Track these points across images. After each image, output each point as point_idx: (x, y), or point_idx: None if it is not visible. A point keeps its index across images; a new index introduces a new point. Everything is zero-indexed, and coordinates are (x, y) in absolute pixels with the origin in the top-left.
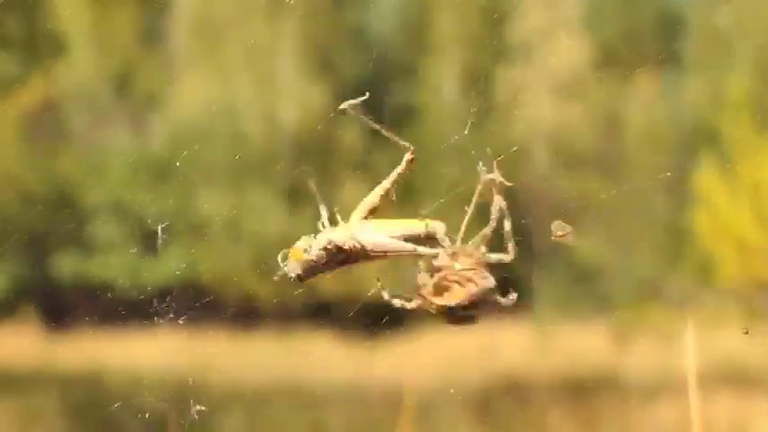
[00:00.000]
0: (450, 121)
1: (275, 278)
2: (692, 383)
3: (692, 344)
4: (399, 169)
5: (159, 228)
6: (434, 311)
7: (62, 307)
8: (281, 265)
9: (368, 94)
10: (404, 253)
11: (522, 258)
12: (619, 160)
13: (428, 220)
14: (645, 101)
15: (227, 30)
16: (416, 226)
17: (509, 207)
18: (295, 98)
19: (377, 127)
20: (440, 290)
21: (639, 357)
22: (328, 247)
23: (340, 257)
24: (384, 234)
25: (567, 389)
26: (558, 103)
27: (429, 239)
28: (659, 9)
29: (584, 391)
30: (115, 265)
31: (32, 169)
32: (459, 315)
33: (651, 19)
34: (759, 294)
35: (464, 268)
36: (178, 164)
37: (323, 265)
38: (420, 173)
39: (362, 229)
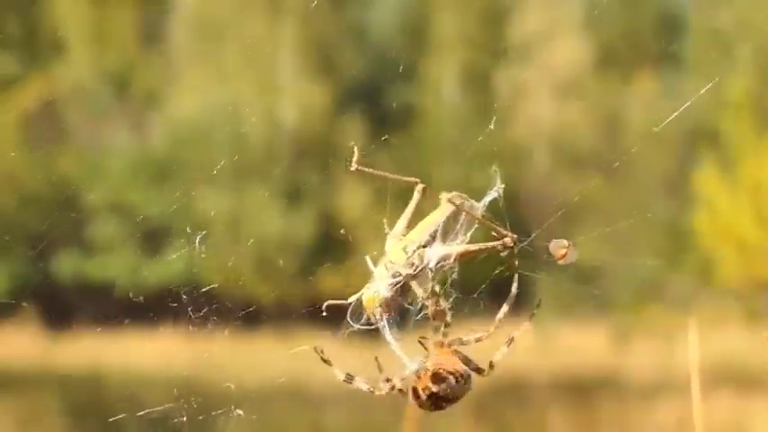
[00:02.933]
0: (450, 121)
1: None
2: (696, 384)
3: (694, 345)
4: (414, 201)
5: (198, 238)
6: (423, 395)
7: (62, 307)
8: (375, 319)
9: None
10: (472, 250)
11: (522, 258)
12: (619, 160)
13: (444, 195)
14: (645, 101)
15: (227, 30)
16: (441, 212)
17: (509, 207)
18: (295, 98)
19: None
20: (438, 378)
21: (639, 357)
22: (397, 278)
23: (411, 281)
24: (442, 244)
25: (567, 389)
26: (559, 103)
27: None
28: (659, 9)
29: (584, 391)
30: (115, 265)
31: (32, 169)
32: (436, 403)
33: (651, 19)
34: (759, 294)
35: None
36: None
37: (401, 294)
38: (420, 171)
39: (425, 249)
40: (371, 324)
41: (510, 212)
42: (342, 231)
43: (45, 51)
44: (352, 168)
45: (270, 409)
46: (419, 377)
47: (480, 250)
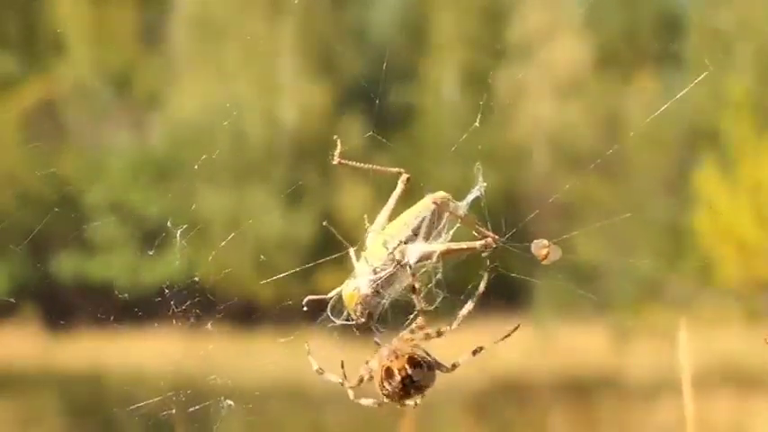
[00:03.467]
0: (450, 121)
1: (358, 330)
2: (687, 383)
3: (684, 345)
4: (398, 192)
5: (197, 238)
6: (397, 376)
7: (62, 307)
8: (354, 316)
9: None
10: (453, 249)
11: (522, 258)
12: (619, 160)
13: (428, 195)
14: (645, 101)
15: (227, 30)
16: (423, 206)
17: (509, 207)
18: (295, 98)
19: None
20: (414, 362)
21: (639, 357)
22: (378, 274)
23: (391, 278)
24: (423, 242)
25: (567, 389)
26: (559, 102)
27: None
28: (659, 9)
29: (584, 391)
30: (115, 265)
31: (32, 169)
32: (405, 389)
33: (651, 19)
34: (759, 294)
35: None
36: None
37: (382, 290)
38: (420, 172)
39: (406, 246)
40: (352, 320)
41: (509, 213)
42: (324, 223)
43: (45, 51)
44: (335, 162)
45: (269, 408)
46: (396, 357)
47: (462, 250)
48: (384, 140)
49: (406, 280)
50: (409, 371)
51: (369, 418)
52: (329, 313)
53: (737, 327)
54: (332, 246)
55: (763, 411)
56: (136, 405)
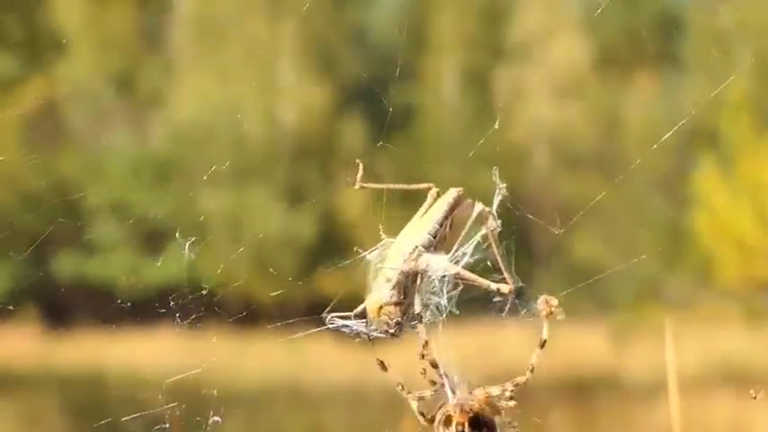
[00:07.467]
0: (450, 122)
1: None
2: (673, 384)
3: (671, 346)
4: (426, 206)
5: (187, 244)
6: (453, 428)
7: (62, 307)
8: (382, 328)
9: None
10: (466, 278)
11: (522, 258)
12: (619, 160)
13: (452, 189)
14: (645, 101)
15: (227, 30)
16: (440, 205)
17: (508, 207)
18: (295, 98)
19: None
20: (476, 423)
21: (639, 357)
22: (399, 280)
23: (416, 284)
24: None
25: (567, 389)
26: (558, 103)
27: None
28: (659, 9)
29: (584, 391)
30: (115, 265)
31: (32, 169)
32: None
33: (651, 19)
34: (759, 294)
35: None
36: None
37: (406, 298)
38: (420, 172)
39: (429, 255)
40: (388, 332)
41: (508, 212)
42: (355, 249)
43: (46, 52)
44: (356, 186)
45: (269, 408)
46: (461, 410)
47: (474, 280)
48: (390, 146)
49: (427, 282)
50: (467, 430)
51: (368, 419)
52: (362, 328)
53: (737, 327)
54: (332, 247)
55: (763, 411)
56: (139, 409)
